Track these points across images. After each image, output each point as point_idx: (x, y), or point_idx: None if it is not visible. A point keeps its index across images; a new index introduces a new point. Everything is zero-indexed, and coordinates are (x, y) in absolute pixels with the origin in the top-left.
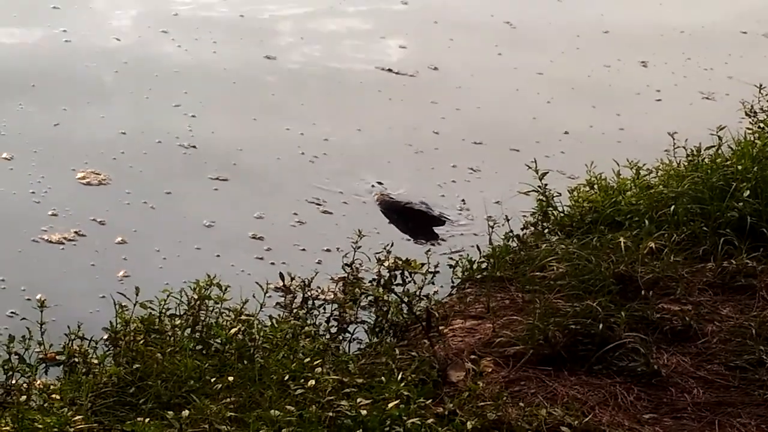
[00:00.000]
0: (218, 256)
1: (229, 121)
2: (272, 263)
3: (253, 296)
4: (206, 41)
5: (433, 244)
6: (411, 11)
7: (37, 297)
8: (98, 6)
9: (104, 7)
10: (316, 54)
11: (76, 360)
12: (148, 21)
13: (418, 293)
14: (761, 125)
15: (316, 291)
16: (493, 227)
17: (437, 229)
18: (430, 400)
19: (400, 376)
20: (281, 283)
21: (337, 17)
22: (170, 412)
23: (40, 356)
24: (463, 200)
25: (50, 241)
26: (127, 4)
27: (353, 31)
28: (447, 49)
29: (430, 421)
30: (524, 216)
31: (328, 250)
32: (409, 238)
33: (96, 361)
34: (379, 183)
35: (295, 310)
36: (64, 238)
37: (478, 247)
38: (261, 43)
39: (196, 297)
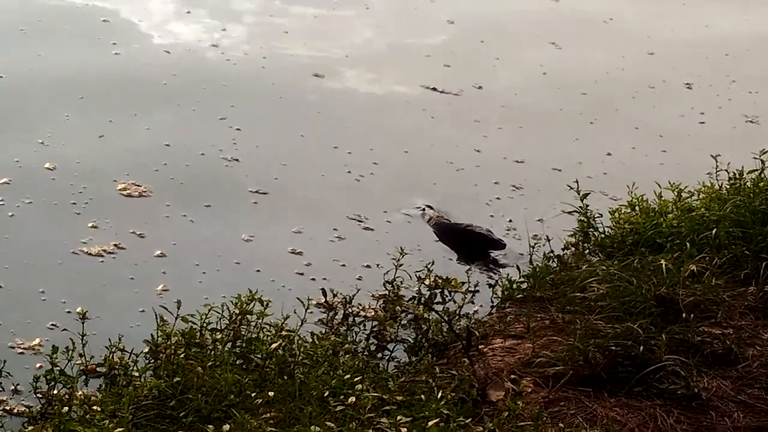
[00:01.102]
0: (258, 271)
1: (275, 135)
2: (312, 279)
3: (294, 312)
4: (256, 56)
5: (491, 268)
6: (457, 30)
7: (77, 309)
8: (148, 19)
9: (154, 21)
10: (362, 71)
11: (117, 372)
12: (197, 34)
13: (458, 312)
14: None
15: (357, 308)
16: (534, 247)
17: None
18: (469, 419)
19: (439, 395)
20: (322, 299)
21: (382, 36)
22: (210, 426)
23: (81, 368)
24: (510, 220)
25: (90, 254)
26: (177, 17)
27: (398, 50)
28: (492, 68)
29: None
30: (566, 235)
31: (368, 267)
32: (452, 258)
33: (137, 374)
34: (429, 207)
35: (335, 327)
36: (104, 251)
37: (518, 267)
38: (309, 60)
39: (237, 312)
